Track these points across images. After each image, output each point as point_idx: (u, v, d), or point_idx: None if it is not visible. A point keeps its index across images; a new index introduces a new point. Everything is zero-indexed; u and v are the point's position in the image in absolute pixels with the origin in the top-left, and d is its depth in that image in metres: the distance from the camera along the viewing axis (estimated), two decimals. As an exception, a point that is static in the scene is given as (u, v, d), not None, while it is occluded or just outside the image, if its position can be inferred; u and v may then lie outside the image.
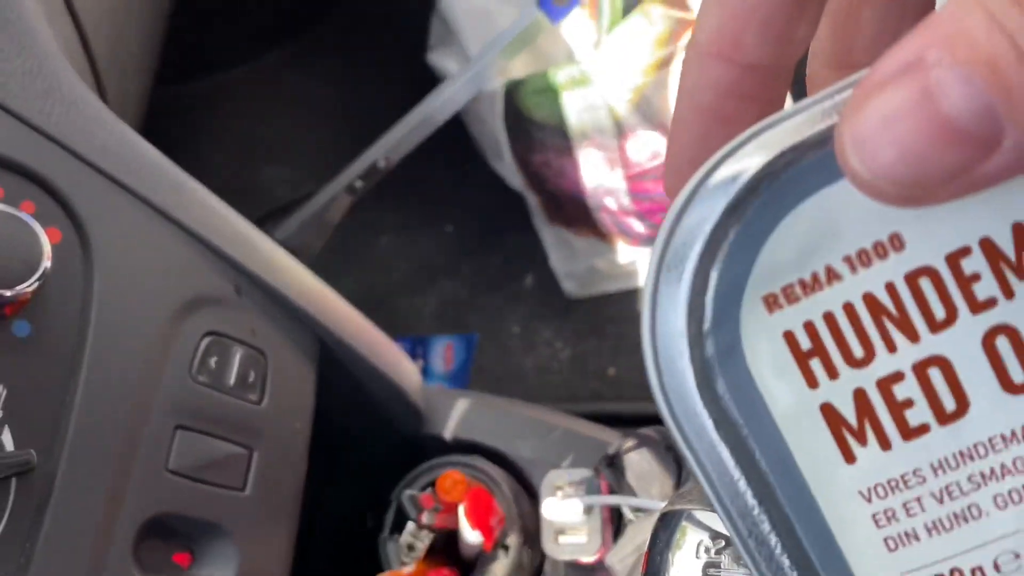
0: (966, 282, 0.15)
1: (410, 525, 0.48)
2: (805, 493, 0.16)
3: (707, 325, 0.15)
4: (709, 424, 0.16)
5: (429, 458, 0.56)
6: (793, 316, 0.15)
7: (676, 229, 0.15)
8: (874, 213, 0.15)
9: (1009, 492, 0.15)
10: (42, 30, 0.41)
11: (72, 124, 0.40)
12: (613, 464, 0.52)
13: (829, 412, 0.16)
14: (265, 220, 1.11)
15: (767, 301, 0.15)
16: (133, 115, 0.70)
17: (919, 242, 0.15)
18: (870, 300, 0.15)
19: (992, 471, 0.15)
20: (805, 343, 0.15)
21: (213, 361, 0.43)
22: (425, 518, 0.46)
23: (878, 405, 0.15)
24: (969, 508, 0.16)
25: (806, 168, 0.15)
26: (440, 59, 0.98)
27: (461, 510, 0.45)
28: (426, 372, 1.16)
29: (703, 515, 0.28)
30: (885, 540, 0.16)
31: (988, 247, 0.15)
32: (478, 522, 0.44)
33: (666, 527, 0.28)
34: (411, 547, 0.50)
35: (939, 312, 0.15)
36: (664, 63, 0.82)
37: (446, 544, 0.52)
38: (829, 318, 0.15)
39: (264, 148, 1.32)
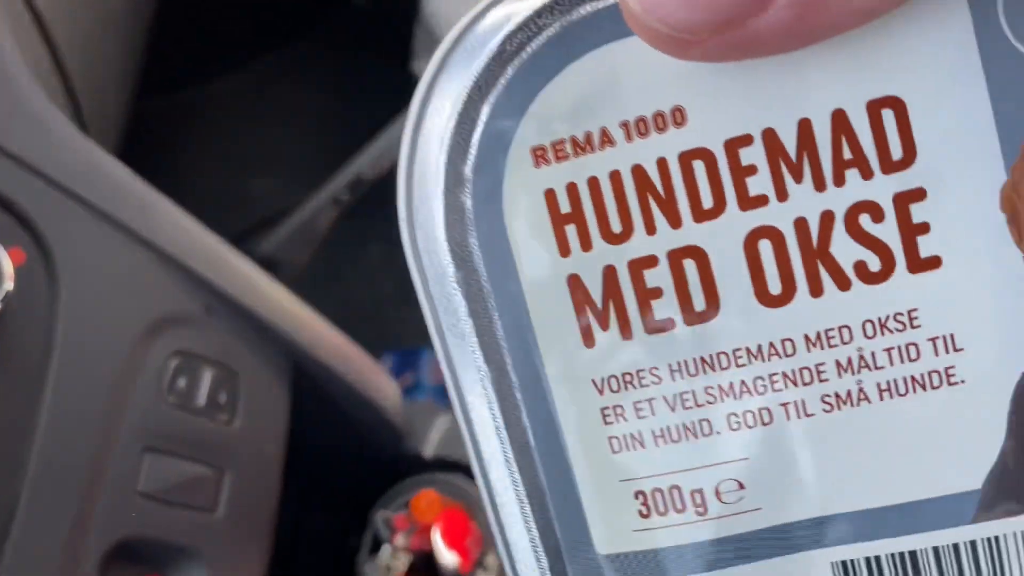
0: (741, 173, 0.14)
1: (386, 547, 0.47)
2: (537, 368, 0.15)
3: (468, 167, 0.14)
4: (451, 271, 0.15)
5: (409, 477, 0.55)
6: (558, 175, 0.14)
7: (457, 45, 0.14)
8: (662, 80, 0.13)
9: (744, 414, 0.14)
10: (6, 48, 0.41)
11: (36, 144, 0.40)
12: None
13: (576, 286, 0.14)
14: (250, 233, 1.11)
15: (535, 153, 0.14)
16: (112, 131, 0.70)
17: (701, 121, 0.13)
18: (639, 173, 0.14)
19: (731, 387, 0.14)
20: (565, 206, 0.14)
21: (183, 381, 0.42)
22: (399, 540, 0.45)
23: (626, 288, 0.14)
24: (701, 423, 0.14)
25: (600, 15, 0.13)
26: (424, 68, 0.98)
27: (434, 532, 0.44)
28: (417, 385, 1.15)
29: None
30: (610, 439, 0.15)
31: (771, 140, 0.13)
32: (453, 543, 0.44)
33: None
34: (389, 568, 0.49)
35: (707, 200, 0.14)
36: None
37: (427, 565, 0.52)
38: (594, 184, 0.14)
39: (251, 158, 1.32)
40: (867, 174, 0.13)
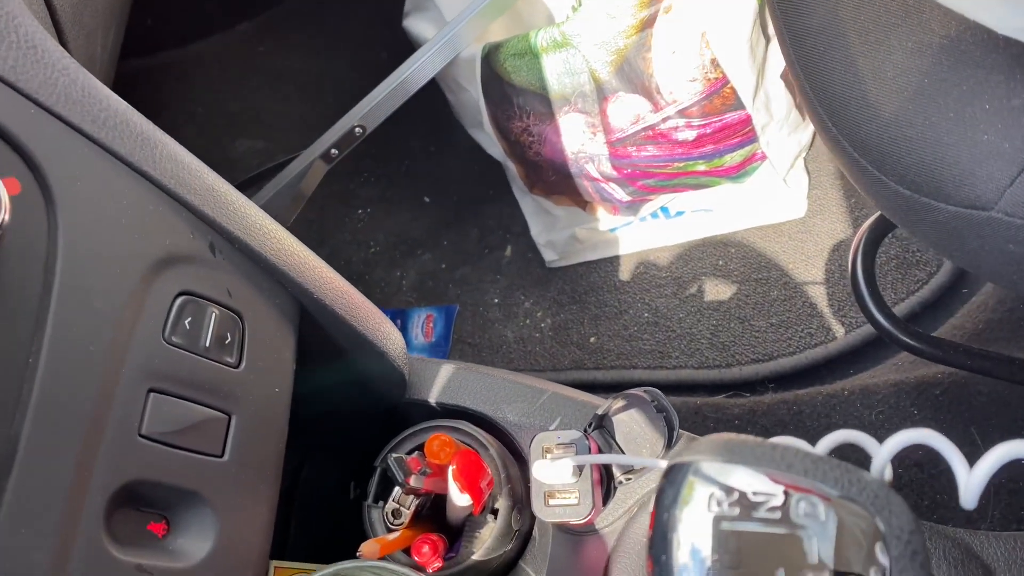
0: None
1: (396, 491, 0.46)
2: None
3: None
4: None
5: (415, 423, 0.54)
6: None
7: None
8: None
9: None
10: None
11: (30, 69, 0.38)
12: (602, 425, 0.51)
13: None
14: (241, 189, 1.08)
15: None
16: (100, 77, 0.67)
17: None
18: None
19: None
20: None
21: (187, 322, 0.41)
22: (413, 481, 0.44)
23: None
24: None
25: None
26: (416, 24, 0.95)
27: (450, 472, 0.43)
28: (406, 343, 1.14)
29: (711, 467, 0.27)
30: None
31: None
32: (468, 484, 0.43)
33: (672, 482, 0.27)
34: (396, 513, 0.48)
35: None
36: (646, 24, 0.80)
37: (432, 510, 0.51)
38: None
39: (237, 120, 1.29)
40: None
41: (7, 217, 0.35)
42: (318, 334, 0.50)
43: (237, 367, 0.43)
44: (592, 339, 1.01)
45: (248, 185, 1.02)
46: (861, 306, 0.64)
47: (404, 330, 1.14)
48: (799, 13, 0.46)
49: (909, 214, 0.42)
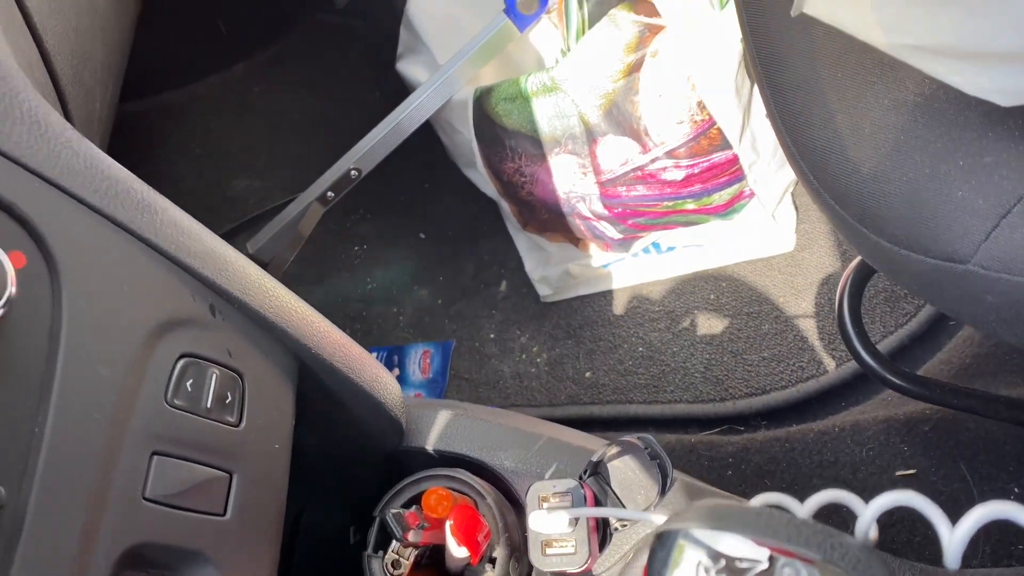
0: None
1: (395, 543, 0.47)
2: None
3: None
4: None
5: (412, 472, 0.55)
6: None
7: None
8: None
9: None
10: (1, 50, 0.40)
11: (34, 144, 0.39)
12: (597, 472, 0.52)
13: None
14: (237, 231, 1.10)
15: None
16: (99, 133, 0.68)
17: None
18: None
19: None
20: None
21: (189, 384, 0.42)
22: (411, 536, 0.45)
23: None
24: None
25: None
26: (409, 68, 0.97)
27: (448, 526, 0.44)
28: (403, 380, 1.15)
29: (701, 533, 0.28)
30: None
31: None
32: (465, 538, 0.44)
33: (663, 546, 0.28)
34: (396, 564, 0.49)
35: None
36: (633, 69, 0.82)
37: (431, 559, 0.51)
38: None
39: (234, 160, 1.31)
40: None
41: (14, 290, 0.36)
42: (317, 387, 0.51)
43: (238, 425, 0.44)
44: (588, 374, 1.02)
45: (247, 227, 1.04)
46: (848, 346, 0.65)
47: (401, 366, 1.15)
48: (779, 69, 0.47)
49: (890, 264, 0.44)
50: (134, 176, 0.43)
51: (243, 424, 0.44)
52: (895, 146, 0.41)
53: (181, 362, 0.42)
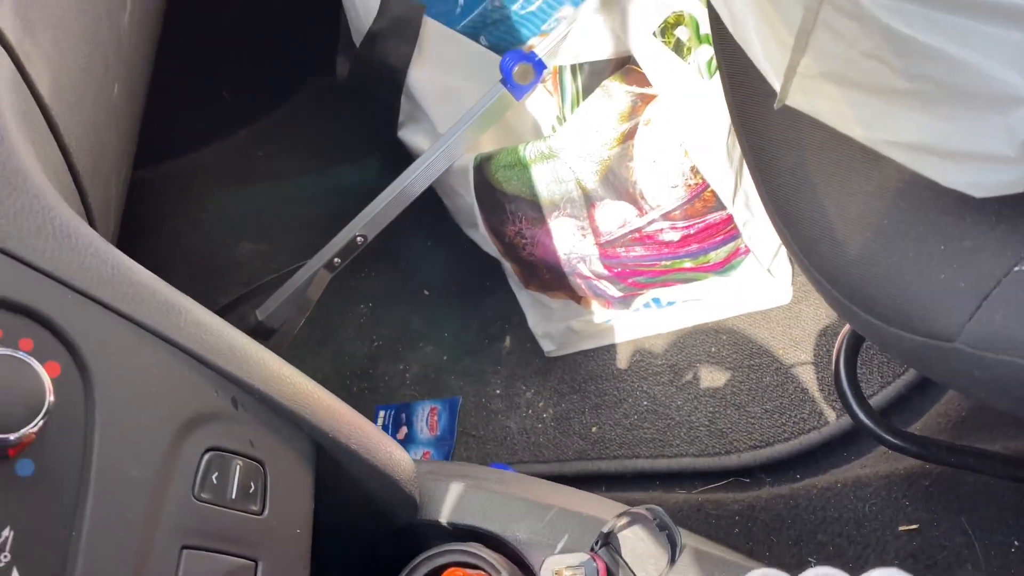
0: None
1: (414, 622, 0.48)
2: None
3: None
4: None
5: (427, 544, 0.56)
6: None
7: None
8: None
9: None
10: (32, 167, 0.43)
11: (65, 257, 0.41)
12: (608, 543, 0.54)
13: None
14: (246, 298, 1.12)
15: None
16: (115, 217, 0.71)
17: None
18: None
19: None
20: None
21: (215, 477, 0.44)
22: (430, 617, 0.46)
23: None
24: None
25: None
26: (410, 136, 1.00)
27: (465, 608, 0.45)
28: (411, 438, 1.17)
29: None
30: None
31: None
32: (482, 617, 0.45)
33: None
34: (415, 641, 0.50)
35: None
36: (628, 136, 0.84)
37: (449, 634, 0.53)
38: None
39: (240, 224, 1.33)
40: None
41: (52, 399, 0.38)
42: (334, 468, 0.53)
43: (261, 514, 0.46)
44: (594, 428, 1.03)
45: (255, 293, 1.06)
46: (846, 407, 0.67)
47: (409, 424, 1.16)
48: (768, 154, 0.50)
49: (880, 339, 0.46)
50: (158, 279, 0.45)
51: (266, 512, 0.46)
52: (879, 230, 0.44)
53: (207, 456, 0.44)
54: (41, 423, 0.36)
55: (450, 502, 0.60)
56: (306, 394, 0.50)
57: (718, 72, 0.58)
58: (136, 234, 1.35)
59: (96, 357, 0.40)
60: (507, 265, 1.04)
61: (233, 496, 0.44)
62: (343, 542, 0.59)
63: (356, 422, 0.54)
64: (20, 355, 0.37)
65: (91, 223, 0.65)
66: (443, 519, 0.59)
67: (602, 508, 0.62)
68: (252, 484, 0.45)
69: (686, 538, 0.60)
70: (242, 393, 0.46)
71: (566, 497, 0.64)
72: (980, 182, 0.38)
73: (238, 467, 0.45)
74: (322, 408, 0.51)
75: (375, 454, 0.54)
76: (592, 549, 0.52)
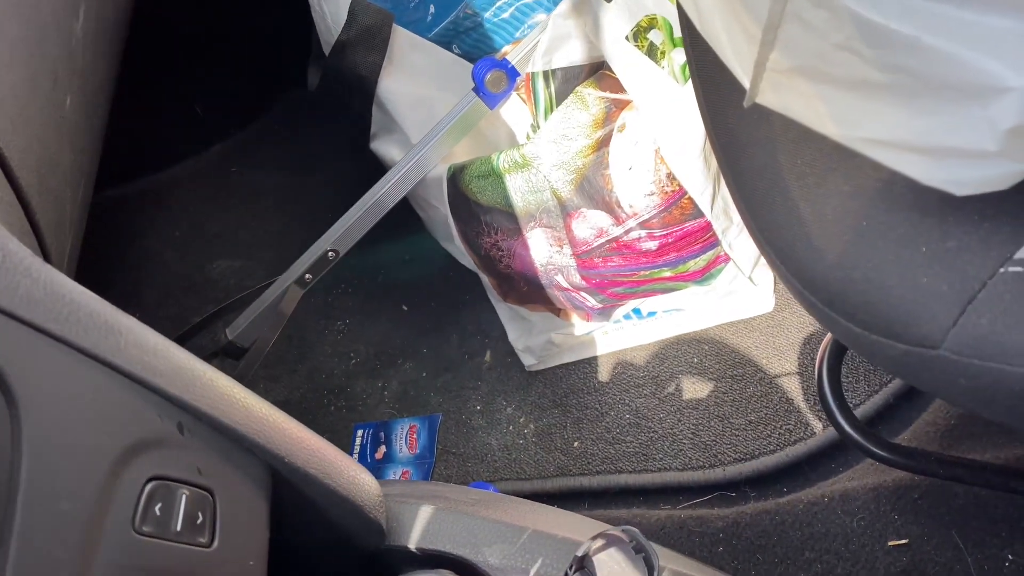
0: None
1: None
2: None
3: None
4: None
5: (395, 570, 0.54)
6: None
7: None
8: None
9: None
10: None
11: (-9, 276, 0.38)
12: (583, 567, 0.51)
13: None
14: (217, 317, 1.09)
15: None
16: (72, 235, 0.68)
17: None
18: None
19: None
20: None
21: (158, 508, 0.41)
22: (392, 653, 0.43)
23: None
24: None
25: None
26: (383, 147, 0.98)
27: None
28: (390, 457, 1.14)
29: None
30: None
31: None
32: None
33: None
34: (381, 676, 0.47)
35: None
36: (602, 144, 0.82)
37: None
38: None
39: (215, 240, 1.31)
40: None
41: (-30, 429, 0.35)
42: (293, 493, 0.50)
43: (210, 546, 0.43)
44: (576, 443, 1.01)
45: (228, 310, 1.03)
46: (831, 420, 0.64)
47: (388, 443, 1.13)
48: (740, 155, 0.48)
49: (862, 348, 0.43)
50: (97, 298, 0.43)
51: (215, 543, 0.43)
52: (858, 233, 0.41)
53: (149, 486, 0.41)
54: (-43, 456, 0.34)
55: (419, 526, 0.57)
56: (259, 417, 0.47)
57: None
58: (111, 252, 1.32)
59: (23, 383, 0.37)
60: (485, 278, 1.01)
61: (178, 528, 0.41)
62: (304, 571, 0.57)
63: (314, 445, 0.51)
64: (-64, 381, 0.34)
65: (40, 241, 0.62)
66: (411, 544, 0.57)
67: (580, 529, 0.59)
68: (200, 514, 0.43)
69: (667, 559, 0.58)
70: (188, 417, 0.44)
71: (543, 517, 0.61)
72: (961, 179, 0.36)
73: (184, 497, 0.42)
74: (276, 431, 0.48)
75: (336, 478, 0.51)
76: (566, 574, 0.49)
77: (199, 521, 0.42)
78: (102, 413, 0.40)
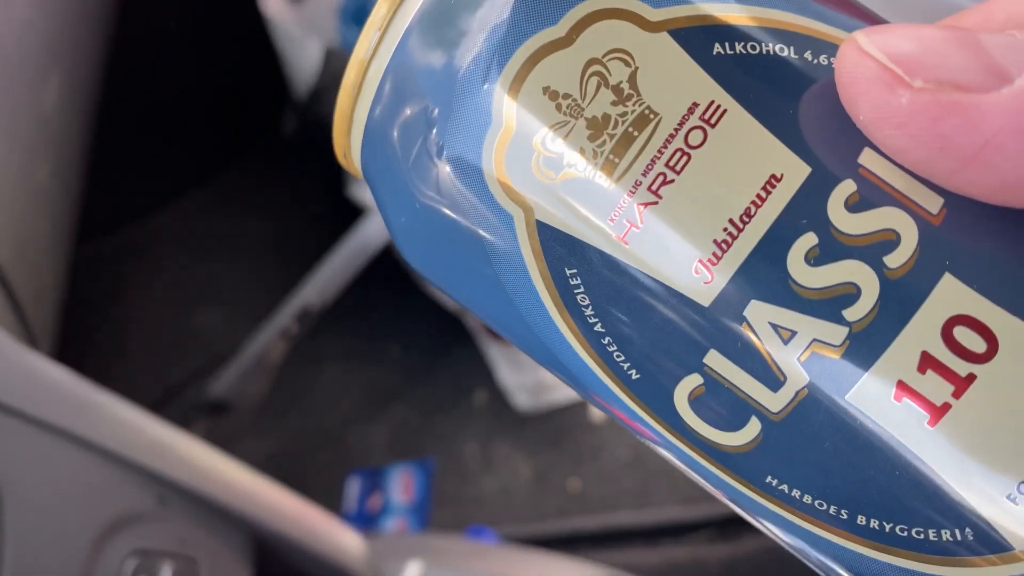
0: None
1: None
2: None
3: None
4: None
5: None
6: None
7: None
8: None
9: None
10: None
11: (-35, 361, 0.39)
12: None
13: None
14: (202, 373, 1.09)
15: None
16: (52, 301, 0.68)
17: None
18: None
19: None
20: None
21: (141, 582, 0.41)
22: None
23: None
24: None
25: None
26: (359, 192, 0.98)
27: None
28: (386, 506, 1.13)
29: None
30: None
31: None
32: None
33: None
34: None
35: None
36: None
37: None
38: None
39: (197, 291, 1.30)
40: None
41: (-53, 518, 0.35)
42: (277, 561, 0.50)
43: (195, 618, 0.42)
44: (573, 484, 1.00)
45: (211, 368, 1.03)
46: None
47: (383, 490, 1.13)
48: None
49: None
50: (72, 376, 0.43)
51: (200, 615, 0.43)
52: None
53: (132, 560, 0.41)
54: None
55: (410, 582, 0.57)
56: (238, 485, 0.47)
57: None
58: (93, 311, 1.32)
59: (2, 467, 0.37)
60: (470, 320, 1.01)
61: (162, 602, 0.41)
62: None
63: (296, 511, 0.51)
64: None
65: (21, 315, 0.62)
66: (403, 602, 0.56)
67: (573, 577, 0.59)
68: (185, 586, 0.42)
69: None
70: (168, 490, 0.43)
71: (536, 569, 0.61)
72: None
73: (168, 568, 0.42)
74: (257, 499, 0.48)
75: (320, 543, 0.51)
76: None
77: (184, 592, 0.42)
78: (81, 490, 0.40)
